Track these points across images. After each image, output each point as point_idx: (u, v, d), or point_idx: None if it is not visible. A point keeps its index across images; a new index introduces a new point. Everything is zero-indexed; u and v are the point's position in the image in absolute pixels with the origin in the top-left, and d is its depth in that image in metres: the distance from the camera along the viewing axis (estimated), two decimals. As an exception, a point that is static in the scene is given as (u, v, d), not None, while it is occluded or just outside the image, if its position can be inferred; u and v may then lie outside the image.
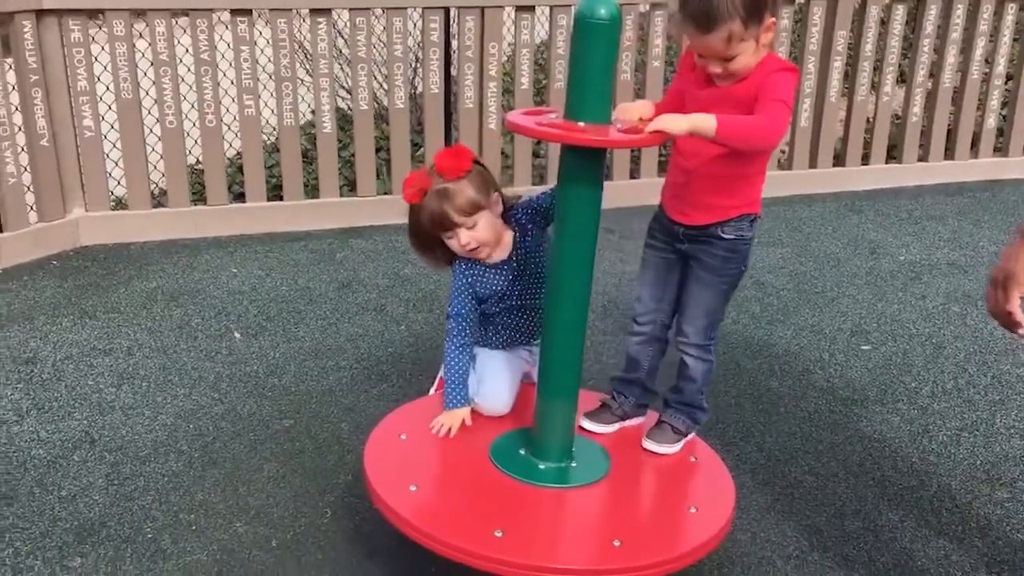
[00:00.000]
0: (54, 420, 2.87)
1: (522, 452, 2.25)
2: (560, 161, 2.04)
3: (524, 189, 4.90)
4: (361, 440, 2.46)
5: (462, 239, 2.27)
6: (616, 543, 1.96)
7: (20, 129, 4.04)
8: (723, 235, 2.20)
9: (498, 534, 1.95)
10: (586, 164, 1.99)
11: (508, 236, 2.39)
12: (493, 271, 2.38)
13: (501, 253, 2.38)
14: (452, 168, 2.24)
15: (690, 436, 2.39)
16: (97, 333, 3.45)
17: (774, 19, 2.01)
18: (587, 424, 2.40)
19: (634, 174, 5.14)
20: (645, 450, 2.33)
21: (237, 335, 3.42)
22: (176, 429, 2.84)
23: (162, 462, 2.67)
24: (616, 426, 2.43)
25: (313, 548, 2.32)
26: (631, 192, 4.88)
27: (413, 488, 2.10)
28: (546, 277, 2.18)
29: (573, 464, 2.23)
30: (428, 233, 2.31)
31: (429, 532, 1.97)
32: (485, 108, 4.74)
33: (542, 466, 2.20)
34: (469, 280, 2.38)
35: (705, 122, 1.96)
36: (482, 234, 2.29)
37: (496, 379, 2.42)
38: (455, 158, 2.26)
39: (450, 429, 2.30)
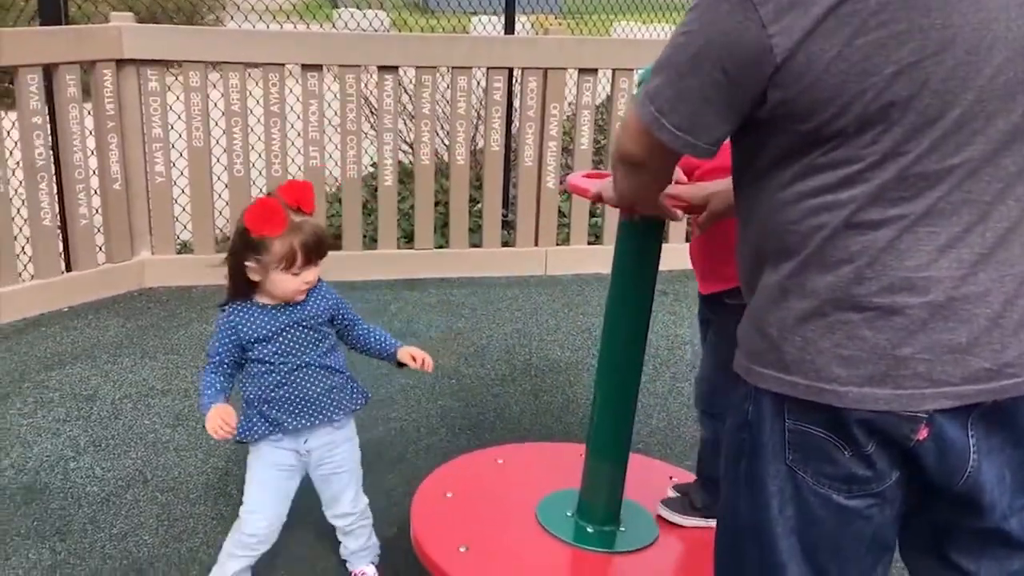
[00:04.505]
0: (110, 458, 2.93)
1: (569, 514, 2.23)
2: (619, 222, 2.05)
3: (581, 247, 4.95)
4: (407, 493, 2.47)
5: (310, 276, 2.05)
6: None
7: (94, 173, 4.19)
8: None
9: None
10: (646, 224, 2.01)
11: None
12: (262, 312, 2.08)
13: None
14: (309, 203, 2.05)
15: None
16: (156, 373, 3.52)
17: None
18: (664, 512, 2.30)
19: (690, 237, 5.13)
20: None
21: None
22: (227, 472, 2.87)
23: (211, 504, 2.70)
24: (697, 520, 2.27)
25: (355, 600, 2.32)
26: (687, 255, 4.87)
27: (463, 549, 2.09)
28: (603, 341, 2.18)
29: (622, 528, 2.21)
30: (242, 264, 2.04)
31: None
32: (544, 167, 4.80)
33: (591, 529, 2.18)
34: (234, 322, 2.07)
35: None
36: (317, 275, 2.10)
37: (260, 498, 2.17)
38: (309, 191, 2.07)
39: (219, 428, 1.97)
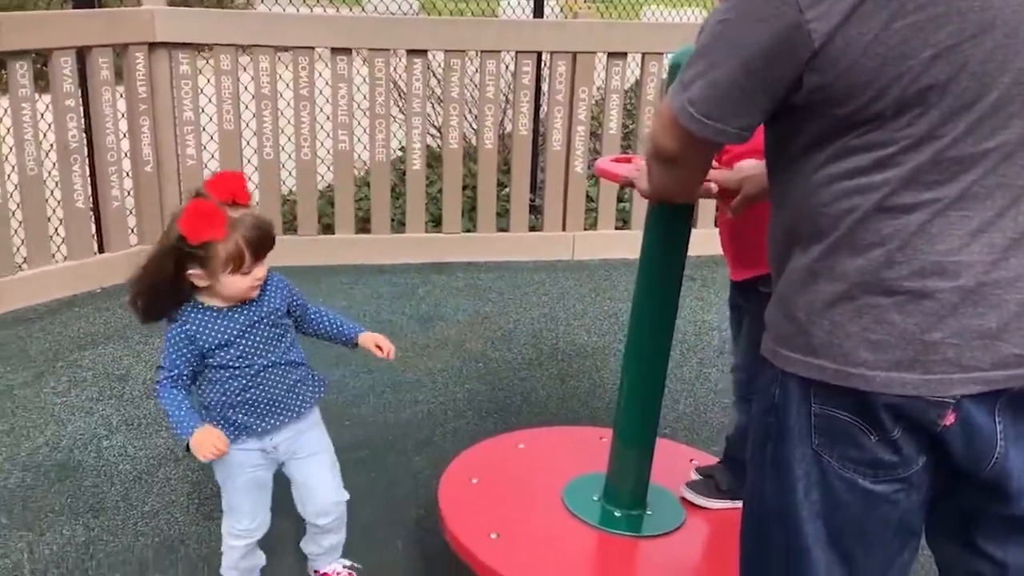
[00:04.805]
0: (142, 436, 2.97)
1: (595, 498, 2.24)
2: (648, 206, 2.05)
3: (608, 232, 4.94)
4: (434, 475, 2.48)
5: (260, 273, 1.94)
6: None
7: (127, 155, 4.24)
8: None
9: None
10: (675, 208, 2.00)
11: None
12: (220, 316, 1.96)
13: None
14: (244, 193, 1.91)
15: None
16: (186, 354, 3.56)
17: None
18: (688, 494, 2.29)
19: (718, 222, 5.11)
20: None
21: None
22: (256, 453, 2.90)
23: (241, 484, 2.73)
24: (723, 503, 2.27)
25: (383, 580, 2.35)
26: (716, 240, 4.86)
27: (494, 536, 2.10)
28: (631, 325, 2.17)
29: (649, 512, 2.21)
30: (180, 273, 1.89)
31: None
32: (572, 151, 4.79)
33: (618, 514, 2.19)
34: (191, 331, 1.93)
35: None
36: (267, 269, 1.98)
37: (239, 505, 2.12)
38: (241, 181, 1.94)
39: (215, 450, 1.89)
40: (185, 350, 1.92)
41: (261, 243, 1.90)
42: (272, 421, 2.03)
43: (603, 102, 4.86)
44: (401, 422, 3.13)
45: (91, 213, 4.18)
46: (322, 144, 4.71)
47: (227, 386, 1.97)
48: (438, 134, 5.20)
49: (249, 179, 4.52)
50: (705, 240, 5.03)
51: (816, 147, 1.27)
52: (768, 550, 1.41)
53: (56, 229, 4.19)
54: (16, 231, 4.01)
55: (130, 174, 4.27)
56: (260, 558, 2.25)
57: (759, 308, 1.94)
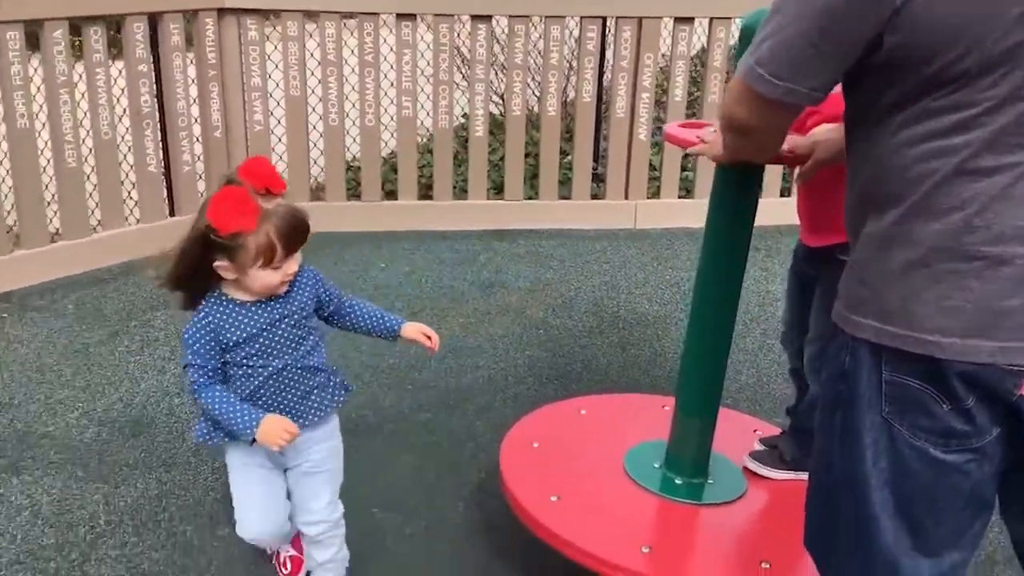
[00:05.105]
0: (211, 395, 3.05)
1: (656, 466, 2.24)
2: (715, 174, 2.02)
3: (671, 201, 4.89)
4: (495, 439, 2.51)
5: (292, 267, 1.81)
6: (764, 565, 1.93)
7: (196, 120, 4.32)
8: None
9: (645, 550, 1.96)
10: (742, 178, 1.97)
11: None
12: (243, 310, 1.84)
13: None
14: (278, 181, 1.78)
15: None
16: (254, 316, 3.63)
17: None
18: (752, 464, 2.29)
19: (784, 192, 5.03)
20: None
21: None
22: (321, 413, 2.96)
23: (307, 444, 2.79)
24: (787, 474, 2.27)
25: (444, 541, 2.38)
26: (780, 210, 4.77)
27: (554, 499, 2.12)
28: (695, 295, 2.16)
29: (710, 481, 2.21)
30: (207, 264, 1.79)
31: (575, 544, 1.98)
32: (636, 118, 4.74)
33: (679, 481, 2.19)
34: (214, 324, 1.82)
35: None
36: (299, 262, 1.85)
37: (248, 501, 2.01)
38: (273, 168, 1.81)
39: (287, 435, 1.78)
40: (211, 342, 1.82)
41: (294, 235, 1.77)
42: None
43: (668, 69, 4.80)
44: (463, 387, 3.17)
45: (163, 177, 4.28)
46: (386, 110, 4.74)
47: (238, 384, 1.86)
48: (501, 101, 5.19)
49: (315, 145, 4.65)
50: (770, 209, 4.92)
51: (896, 109, 1.25)
52: (836, 518, 1.40)
53: (129, 193, 4.30)
54: (91, 194, 4.12)
55: (200, 139, 4.35)
56: (287, 526, 2.13)
57: (835, 276, 1.90)
